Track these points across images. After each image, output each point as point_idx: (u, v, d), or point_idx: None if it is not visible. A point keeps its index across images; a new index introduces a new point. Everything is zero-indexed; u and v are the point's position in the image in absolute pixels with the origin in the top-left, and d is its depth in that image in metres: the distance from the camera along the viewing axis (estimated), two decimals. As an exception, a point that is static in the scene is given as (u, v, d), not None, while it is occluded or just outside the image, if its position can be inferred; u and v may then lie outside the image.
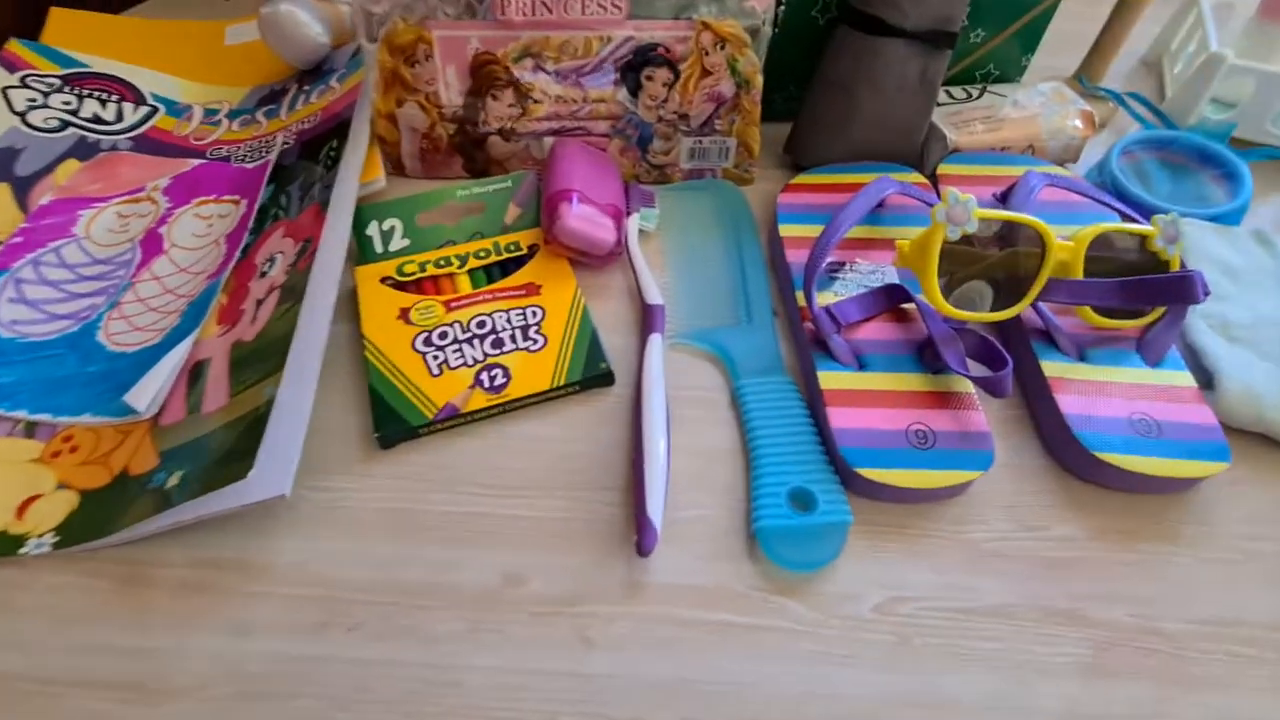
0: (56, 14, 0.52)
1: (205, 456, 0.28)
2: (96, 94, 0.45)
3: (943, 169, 0.42)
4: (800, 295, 0.35)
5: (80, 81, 0.46)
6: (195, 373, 0.32)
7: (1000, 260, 0.32)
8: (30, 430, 0.31)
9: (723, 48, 0.39)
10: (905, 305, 0.34)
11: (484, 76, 0.40)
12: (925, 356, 0.32)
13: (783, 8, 0.41)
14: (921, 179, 0.41)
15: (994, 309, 0.32)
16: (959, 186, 0.40)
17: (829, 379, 0.32)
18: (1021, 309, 0.31)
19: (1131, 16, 0.47)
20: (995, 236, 0.33)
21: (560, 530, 0.29)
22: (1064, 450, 0.31)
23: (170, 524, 0.27)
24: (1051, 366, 0.32)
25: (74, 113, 0.44)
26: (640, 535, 0.27)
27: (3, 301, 0.34)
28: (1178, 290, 0.29)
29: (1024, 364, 0.33)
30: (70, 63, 0.46)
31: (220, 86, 0.50)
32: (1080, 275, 0.31)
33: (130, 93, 0.46)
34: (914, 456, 0.29)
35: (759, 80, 0.40)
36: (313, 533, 0.29)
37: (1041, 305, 0.33)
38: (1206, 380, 0.32)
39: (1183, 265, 0.33)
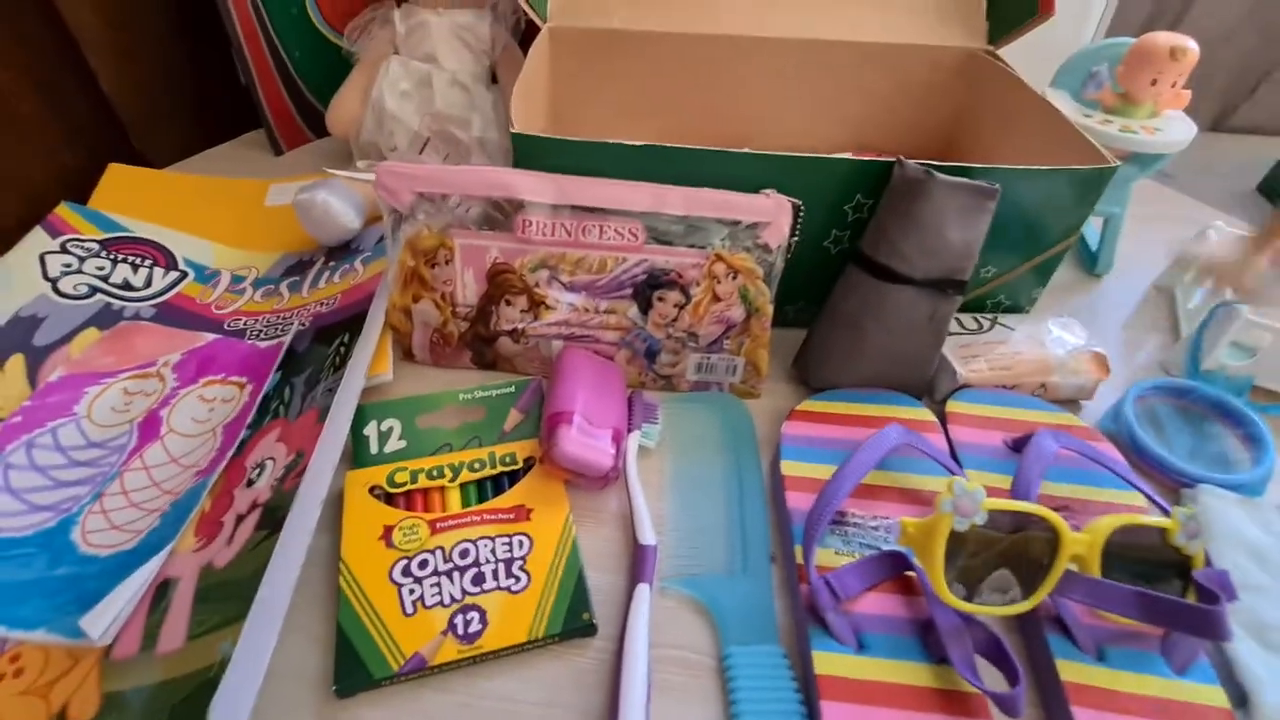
0: (114, 170, 0.56)
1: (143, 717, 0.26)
2: (131, 259, 0.47)
3: (952, 406, 0.41)
4: (799, 550, 0.33)
5: (118, 246, 0.47)
6: (160, 592, 0.30)
7: (1012, 545, 0.30)
8: (-22, 646, 0.29)
9: (735, 277, 0.40)
10: (909, 573, 0.32)
11: (500, 284, 0.41)
12: (930, 643, 0.30)
13: (796, 237, 0.42)
14: (930, 417, 0.40)
15: (1006, 599, 0.30)
16: (969, 429, 0.40)
17: (825, 662, 0.29)
18: (1032, 605, 0.29)
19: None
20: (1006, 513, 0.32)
21: (517, 828, 0.26)
22: (1082, 775, 0.28)
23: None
24: (1068, 668, 0.30)
25: (105, 278, 0.45)
26: None
27: (-14, 491, 0.34)
28: (1201, 624, 0.27)
29: (1038, 660, 0.31)
30: (111, 226, 0.49)
31: (252, 252, 0.52)
32: (1097, 571, 0.30)
33: (163, 257, 0.48)
34: (914, 776, 0.26)
35: (769, 309, 0.41)
36: (248, 804, 0.26)
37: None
38: (1240, 697, 0.29)
39: (1208, 561, 0.31)
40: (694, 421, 0.42)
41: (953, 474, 0.35)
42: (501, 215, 0.40)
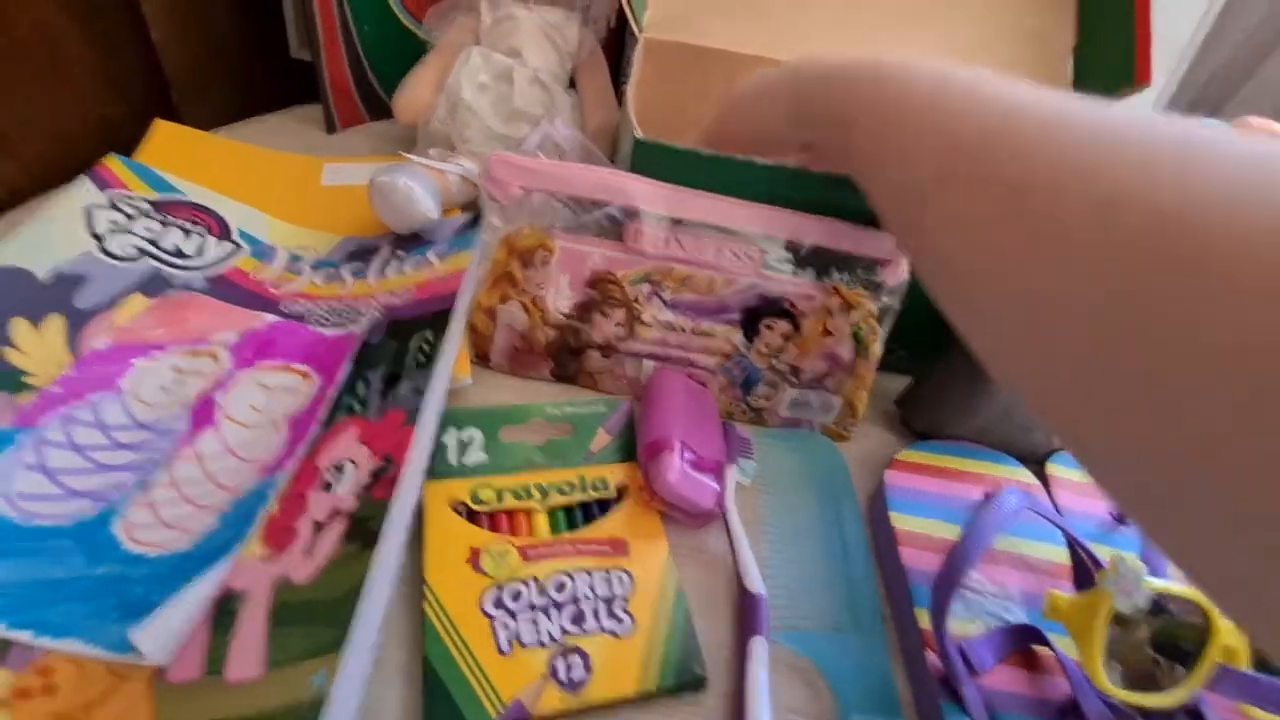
0: (161, 126, 0.51)
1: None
2: (182, 224, 0.43)
3: (1053, 470, 0.39)
4: (921, 613, 0.31)
5: (170, 208, 0.43)
6: (223, 607, 0.26)
7: (1157, 631, 0.29)
8: (2, 652, 0.25)
9: (849, 314, 0.38)
10: (1037, 648, 0.30)
11: (598, 293, 0.39)
12: (1068, 728, 0.28)
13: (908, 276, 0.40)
14: (1033, 480, 0.39)
15: (1137, 683, 0.28)
16: (1073, 495, 0.38)
17: (962, 742, 0.27)
18: (1184, 697, 0.27)
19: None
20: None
21: None
22: None
23: None
24: (1209, 766, 0.28)
25: (155, 242, 0.41)
26: None
27: (19, 468, 0.30)
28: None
29: (1175, 754, 0.29)
30: (164, 187, 0.45)
31: (310, 230, 0.48)
32: (1246, 663, 0.28)
33: (217, 225, 0.44)
34: None
35: (878, 349, 0.39)
36: None
37: (1193, 683, 0.30)
38: (1380, 811, 0.28)
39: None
40: (785, 459, 0.39)
41: (1078, 545, 0.33)
42: (609, 221, 0.37)
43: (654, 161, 0.37)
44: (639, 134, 0.37)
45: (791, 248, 0.37)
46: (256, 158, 0.54)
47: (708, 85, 0.55)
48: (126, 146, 0.50)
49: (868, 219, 0.37)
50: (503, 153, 0.37)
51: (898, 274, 0.37)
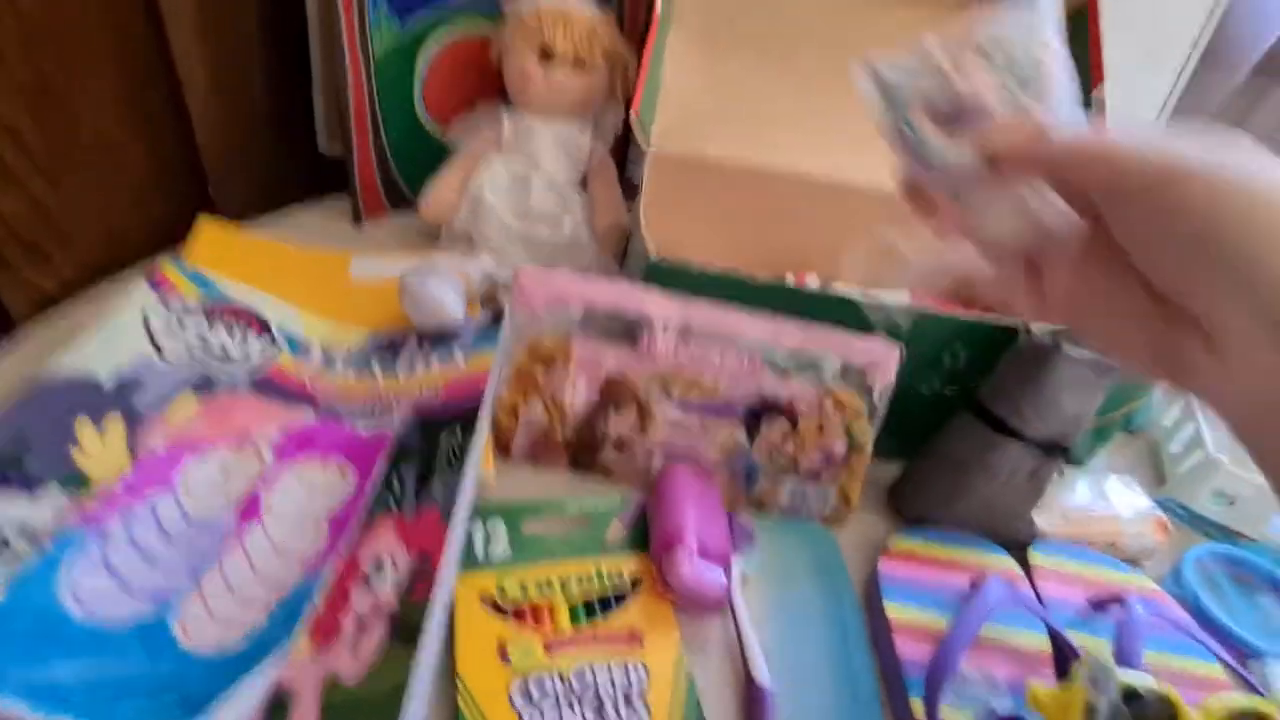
0: (204, 224, 0.55)
1: None
2: (228, 323, 0.47)
3: (1034, 559, 0.43)
4: (916, 704, 0.33)
5: (217, 310, 0.47)
6: (274, 706, 0.29)
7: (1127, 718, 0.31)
8: (71, 750, 0.27)
9: (842, 413, 0.41)
10: (1023, 736, 0.33)
11: (612, 393, 0.42)
12: (1053, 815, 0.30)
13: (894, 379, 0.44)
14: (1017, 568, 0.42)
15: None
16: (1054, 584, 0.41)
17: (956, 830, 0.29)
18: (1156, 785, 0.30)
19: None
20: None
21: None
22: None
23: None
24: None
25: (204, 343, 0.45)
26: None
27: (85, 568, 0.32)
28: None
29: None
30: (211, 288, 0.48)
31: (341, 325, 0.51)
32: (1211, 752, 0.31)
33: (259, 325, 0.48)
34: None
35: (869, 447, 0.42)
36: None
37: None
38: None
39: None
40: (785, 549, 0.42)
41: (1056, 634, 0.36)
42: (624, 330, 0.41)
43: (667, 277, 0.41)
44: (654, 255, 0.42)
45: (790, 354, 0.41)
46: (290, 255, 0.58)
47: (714, 194, 0.60)
48: (167, 240, 0.54)
49: (859, 328, 0.41)
50: (530, 267, 0.41)
51: (885, 376, 0.41)
